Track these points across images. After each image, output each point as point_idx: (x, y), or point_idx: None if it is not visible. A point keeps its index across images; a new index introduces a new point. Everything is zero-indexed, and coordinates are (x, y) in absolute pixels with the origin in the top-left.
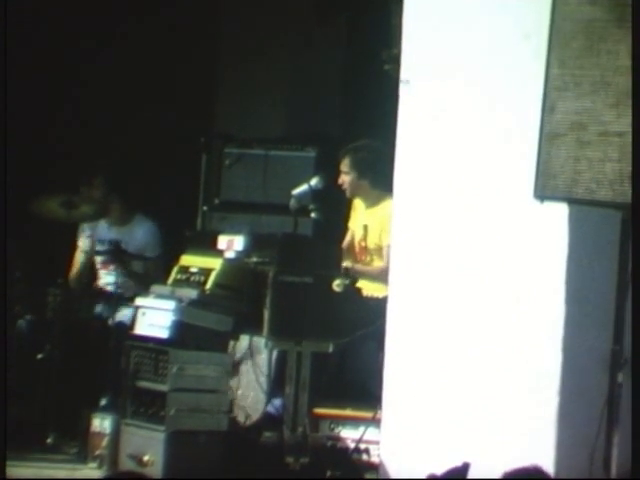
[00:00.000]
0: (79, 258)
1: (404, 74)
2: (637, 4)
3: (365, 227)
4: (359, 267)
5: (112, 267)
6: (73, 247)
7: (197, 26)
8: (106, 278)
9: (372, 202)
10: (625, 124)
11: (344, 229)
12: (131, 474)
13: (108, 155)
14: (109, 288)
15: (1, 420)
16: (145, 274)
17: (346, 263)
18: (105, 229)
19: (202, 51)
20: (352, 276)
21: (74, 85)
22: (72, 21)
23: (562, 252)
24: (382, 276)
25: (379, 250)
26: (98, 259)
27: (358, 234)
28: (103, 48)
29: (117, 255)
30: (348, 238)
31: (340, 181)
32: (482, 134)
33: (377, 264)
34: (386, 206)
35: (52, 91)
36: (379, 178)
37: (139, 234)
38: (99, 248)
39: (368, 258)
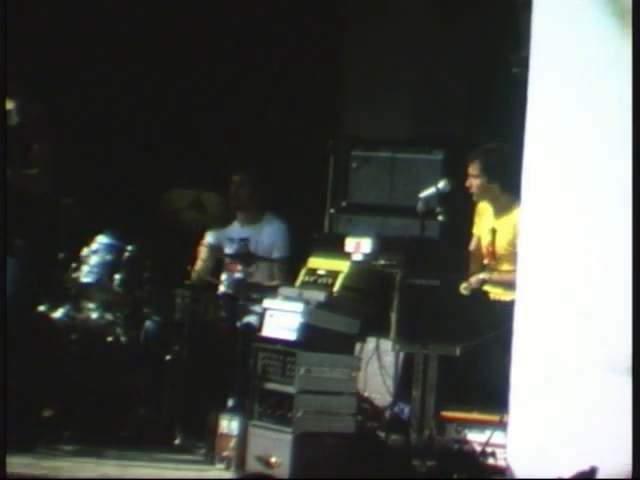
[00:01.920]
0: (202, 250)
1: (532, 76)
2: (637, 4)
3: (493, 232)
4: (496, 278)
5: (240, 268)
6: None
7: (323, 28)
8: (234, 278)
9: (501, 207)
10: None
11: (471, 232)
12: (262, 476)
13: (243, 155)
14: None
15: (1, 419)
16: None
17: (483, 275)
18: (236, 228)
19: (328, 53)
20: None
21: (209, 86)
22: (206, 21)
23: None
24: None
25: (508, 255)
26: (226, 259)
27: (485, 239)
28: (234, 49)
29: (246, 256)
30: (474, 243)
31: (468, 184)
32: (613, 137)
33: (505, 268)
34: (517, 212)
35: (185, 92)
36: (509, 182)
37: (269, 234)
38: (229, 248)
39: (496, 263)
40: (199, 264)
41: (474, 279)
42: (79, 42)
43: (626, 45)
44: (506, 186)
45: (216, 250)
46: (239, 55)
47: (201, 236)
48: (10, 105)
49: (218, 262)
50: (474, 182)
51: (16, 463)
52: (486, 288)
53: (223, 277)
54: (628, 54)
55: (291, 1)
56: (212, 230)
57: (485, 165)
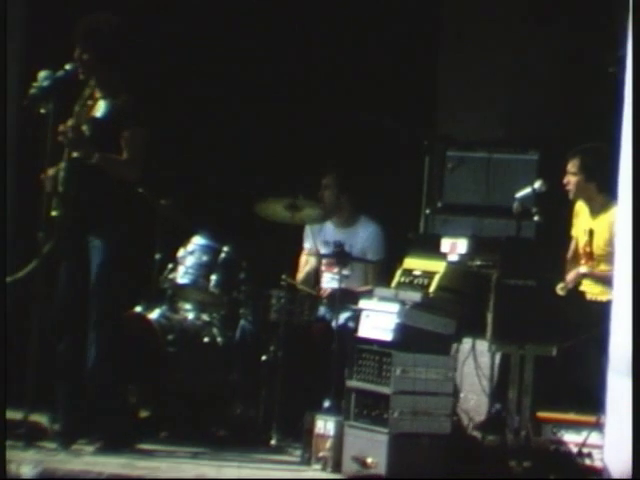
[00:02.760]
0: (305, 260)
1: (628, 76)
2: (638, 4)
3: (590, 232)
4: (597, 273)
5: (336, 269)
6: (296, 249)
7: (418, 29)
8: (330, 280)
9: (598, 207)
10: None
11: (567, 232)
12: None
13: (336, 157)
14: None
15: (1, 419)
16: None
17: (583, 269)
18: (331, 230)
19: (424, 53)
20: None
21: (304, 88)
22: (302, 22)
23: None
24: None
25: (606, 255)
26: (323, 261)
27: (582, 239)
28: (329, 50)
29: (341, 257)
30: (572, 246)
31: (565, 181)
32: None
33: (602, 269)
34: (613, 211)
35: (281, 95)
36: (605, 182)
37: (363, 236)
38: (324, 250)
39: (594, 264)
40: (301, 273)
41: (572, 273)
42: (180, 47)
43: None
44: (602, 186)
45: (313, 253)
46: (334, 55)
47: (296, 237)
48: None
49: (317, 271)
50: (572, 179)
51: (113, 463)
52: (583, 288)
53: (324, 280)
54: None
55: (388, 1)
56: (307, 234)
57: (583, 164)
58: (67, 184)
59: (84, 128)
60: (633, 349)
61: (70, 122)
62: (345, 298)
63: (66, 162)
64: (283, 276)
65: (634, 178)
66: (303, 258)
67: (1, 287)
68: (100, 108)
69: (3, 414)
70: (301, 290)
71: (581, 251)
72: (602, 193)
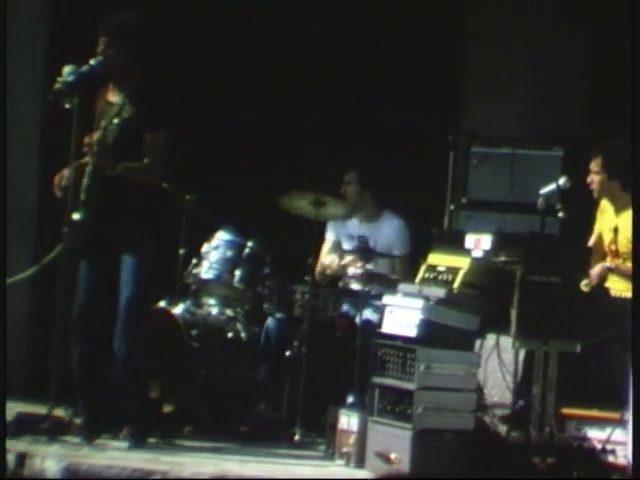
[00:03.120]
0: (326, 251)
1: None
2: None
3: (615, 230)
4: (623, 267)
5: (360, 264)
6: (321, 244)
7: (445, 26)
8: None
9: (621, 205)
10: None
11: (591, 229)
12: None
13: (360, 153)
14: (356, 286)
15: (1, 418)
16: (387, 277)
17: (608, 263)
18: (355, 225)
19: (448, 50)
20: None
21: (329, 86)
22: (331, 21)
23: None
24: None
25: (631, 252)
26: (346, 256)
27: (607, 237)
28: (351, 48)
29: (365, 253)
30: (594, 240)
31: (589, 180)
32: None
33: (629, 266)
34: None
35: (303, 93)
36: (628, 180)
37: (388, 231)
38: (347, 245)
39: (620, 261)
40: (320, 266)
41: (598, 267)
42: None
43: None
44: (627, 184)
45: (336, 247)
46: (361, 53)
47: (320, 233)
48: (116, 98)
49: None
50: (595, 178)
51: (136, 458)
52: (607, 285)
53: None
54: None
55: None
56: (330, 226)
57: (607, 162)
58: (90, 192)
59: (108, 135)
60: (633, 348)
61: (96, 135)
62: (374, 281)
63: (90, 171)
64: (306, 277)
65: (634, 178)
66: (324, 248)
67: (1, 287)
68: (122, 113)
69: (3, 414)
70: (326, 277)
71: (606, 249)
72: (625, 190)
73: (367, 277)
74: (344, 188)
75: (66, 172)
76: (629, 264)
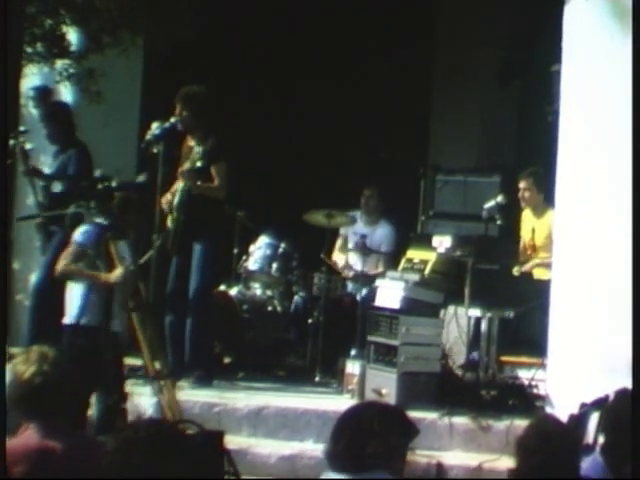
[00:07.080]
0: (340, 244)
1: (562, 121)
2: (637, 4)
3: (533, 230)
4: (545, 262)
5: (359, 256)
6: (334, 244)
7: (417, 81)
8: (355, 261)
9: (539, 211)
10: None
11: (520, 232)
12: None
13: (374, 175)
14: (357, 271)
15: (1, 419)
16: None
17: (537, 260)
18: (360, 226)
19: (417, 105)
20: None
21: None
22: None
23: None
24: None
25: (545, 246)
26: (350, 251)
27: (527, 236)
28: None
29: (362, 249)
30: (522, 243)
31: (521, 195)
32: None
33: (542, 256)
34: (550, 214)
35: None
36: (548, 193)
37: (381, 233)
38: (353, 239)
39: (536, 252)
40: (336, 253)
41: (530, 264)
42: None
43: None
44: (547, 195)
45: (344, 241)
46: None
47: (332, 238)
48: (193, 142)
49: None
50: (526, 194)
51: (204, 394)
52: (533, 271)
53: (351, 261)
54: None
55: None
56: (343, 231)
57: (536, 181)
58: (180, 208)
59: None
60: (633, 348)
61: (185, 166)
62: (364, 278)
63: (180, 192)
64: (322, 255)
65: (634, 181)
66: (338, 242)
67: (1, 287)
68: (197, 153)
69: (3, 414)
70: (335, 269)
71: (527, 244)
72: (545, 201)
73: (355, 276)
74: (365, 199)
75: (168, 195)
76: (543, 254)
